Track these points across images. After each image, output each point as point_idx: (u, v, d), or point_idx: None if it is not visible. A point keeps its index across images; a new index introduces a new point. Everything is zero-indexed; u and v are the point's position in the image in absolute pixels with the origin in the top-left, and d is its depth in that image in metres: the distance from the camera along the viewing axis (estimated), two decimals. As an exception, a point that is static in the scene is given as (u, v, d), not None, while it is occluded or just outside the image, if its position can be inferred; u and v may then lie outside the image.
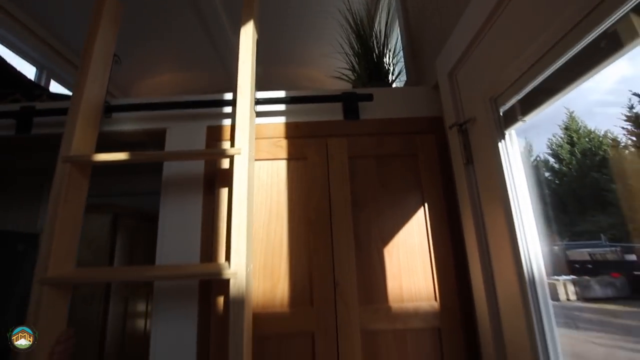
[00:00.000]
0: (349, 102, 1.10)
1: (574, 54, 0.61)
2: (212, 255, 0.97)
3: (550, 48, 0.63)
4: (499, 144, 0.79)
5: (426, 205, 1.01)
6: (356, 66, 1.40)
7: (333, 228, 0.98)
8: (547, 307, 0.74)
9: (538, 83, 0.68)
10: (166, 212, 1.03)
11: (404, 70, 1.46)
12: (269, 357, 0.91)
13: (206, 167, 1.06)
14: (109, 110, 1.10)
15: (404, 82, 1.51)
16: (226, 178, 1.03)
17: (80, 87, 0.97)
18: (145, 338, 2.25)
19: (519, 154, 0.81)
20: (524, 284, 0.74)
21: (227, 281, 0.82)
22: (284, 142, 1.08)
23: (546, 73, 0.66)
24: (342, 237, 0.97)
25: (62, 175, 0.88)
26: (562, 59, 0.63)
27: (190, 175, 1.05)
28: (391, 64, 1.38)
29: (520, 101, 0.73)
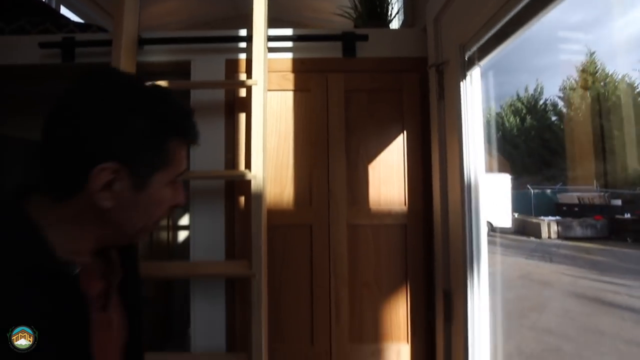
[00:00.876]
0: (347, 42, 1.27)
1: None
2: (233, 166, 1.24)
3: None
4: (461, 84, 0.99)
5: (405, 132, 1.25)
6: (358, 5, 1.52)
7: (329, 148, 1.24)
8: (477, 210, 1.02)
9: (493, 33, 0.86)
10: (195, 132, 1.27)
11: (402, 11, 1.57)
12: (278, 241, 1.23)
13: (226, 96, 1.28)
14: (141, 42, 1.28)
15: (402, 21, 1.64)
16: (244, 105, 1.25)
17: (120, 20, 1.15)
18: (169, 247, 2.68)
19: (479, 92, 1.02)
20: (464, 191, 1.01)
21: (249, 182, 1.10)
22: (291, 76, 1.27)
23: (501, 23, 0.84)
24: (336, 155, 1.23)
25: (116, 98, 1.11)
26: (515, 10, 0.79)
27: (213, 102, 1.28)
28: (390, 4, 1.50)
29: (478, 48, 0.92)
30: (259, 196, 1.07)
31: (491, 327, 1.04)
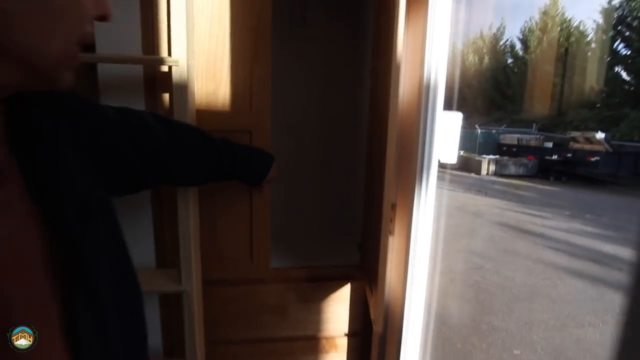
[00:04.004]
0: None
1: None
2: (154, 53, 0.99)
3: None
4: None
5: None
6: None
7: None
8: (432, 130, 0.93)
9: None
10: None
11: None
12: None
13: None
14: None
15: None
16: (163, -30, 0.96)
17: None
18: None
19: None
20: (422, 95, 0.90)
21: (170, 72, 0.88)
22: (227, -64, 0.98)
23: None
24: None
25: None
26: None
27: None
28: None
29: None
30: (184, 88, 0.86)
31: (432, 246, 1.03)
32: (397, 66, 0.74)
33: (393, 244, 1.10)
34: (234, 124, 1.05)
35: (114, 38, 0.97)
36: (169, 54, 0.96)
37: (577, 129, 11.92)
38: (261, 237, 1.10)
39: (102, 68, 0.98)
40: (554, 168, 9.67)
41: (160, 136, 0.69)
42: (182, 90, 0.86)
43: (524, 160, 10.64)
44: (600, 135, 9.43)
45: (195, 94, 0.98)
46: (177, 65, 0.85)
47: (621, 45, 13.51)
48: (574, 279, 4.16)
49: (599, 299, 3.75)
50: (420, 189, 0.94)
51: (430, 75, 0.84)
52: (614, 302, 3.63)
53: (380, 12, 1.02)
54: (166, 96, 1.01)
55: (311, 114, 1.21)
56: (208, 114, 1.03)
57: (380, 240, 0.85)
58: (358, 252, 1.26)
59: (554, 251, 4.91)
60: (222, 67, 1.02)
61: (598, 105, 13.62)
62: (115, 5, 0.92)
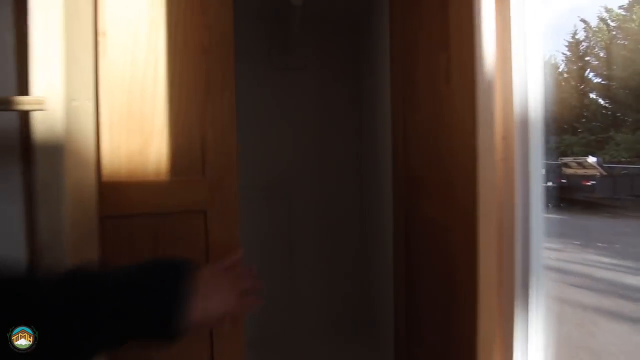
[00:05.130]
0: None
1: None
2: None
3: None
4: None
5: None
6: None
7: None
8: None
9: None
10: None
11: None
12: (139, 240, 0.62)
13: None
14: None
15: None
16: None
17: None
18: None
19: None
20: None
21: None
22: None
23: None
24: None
25: None
26: None
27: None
28: None
29: None
30: (55, 147, 0.45)
31: None
32: (488, 86, 0.34)
33: None
34: (175, 202, 0.62)
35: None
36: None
37: (563, 154, 11.96)
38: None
39: None
40: (551, 194, 9.48)
41: None
42: (51, 150, 0.44)
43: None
44: (592, 159, 9.39)
45: (104, 156, 0.56)
46: (43, 109, 0.44)
47: (591, 74, 14.14)
48: (610, 323, 3.65)
49: (646, 347, 3.23)
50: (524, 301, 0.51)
51: (527, 109, 0.45)
52: (666, 351, 3.12)
53: (404, 17, 0.65)
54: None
55: (305, 165, 0.81)
56: (128, 190, 0.60)
57: None
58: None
59: (577, 289, 4.44)
60: (154, 110, 0.61)
61: (580, 130, 13.87)
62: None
